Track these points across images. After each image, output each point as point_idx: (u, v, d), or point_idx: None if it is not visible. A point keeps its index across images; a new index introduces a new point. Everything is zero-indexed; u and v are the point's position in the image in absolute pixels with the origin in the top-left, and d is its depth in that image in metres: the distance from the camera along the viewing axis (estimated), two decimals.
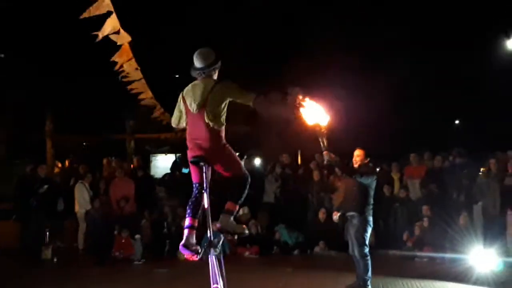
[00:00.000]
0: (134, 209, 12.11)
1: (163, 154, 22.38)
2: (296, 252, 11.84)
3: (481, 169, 11.79)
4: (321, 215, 11.92)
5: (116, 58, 9.16)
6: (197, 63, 5.22)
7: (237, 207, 5.23)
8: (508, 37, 17.75)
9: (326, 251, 11.65)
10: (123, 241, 11.49)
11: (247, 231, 5.52)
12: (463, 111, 22.00)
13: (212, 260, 5.04)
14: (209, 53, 5.26)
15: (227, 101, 5.13)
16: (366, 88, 16.74)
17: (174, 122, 5.37)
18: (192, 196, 5.18)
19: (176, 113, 5.31)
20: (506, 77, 17.82)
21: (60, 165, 17.16)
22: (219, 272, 5.06)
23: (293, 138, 15.37)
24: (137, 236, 11.35)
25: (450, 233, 10.28)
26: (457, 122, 24.95)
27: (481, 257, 8.98)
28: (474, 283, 8.51)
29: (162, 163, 21.83)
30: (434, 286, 8.58)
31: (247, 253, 11.66)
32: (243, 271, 10.26)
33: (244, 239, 11.83)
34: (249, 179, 5.25)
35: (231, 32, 16.66)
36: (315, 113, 7.16)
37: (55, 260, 11.18)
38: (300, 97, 5.44)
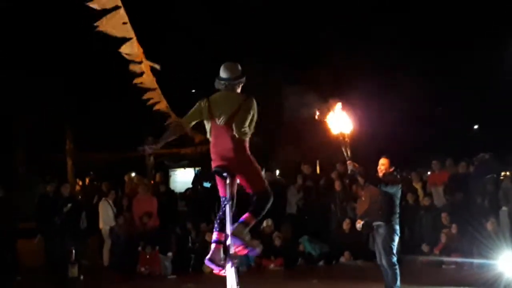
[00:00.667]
0: (157, 225, 12.15)
1: (182, 169, 22.49)
2: (321, 263, 11.77)
3: (503, 173, 11.72)
4: (345, 225, 11.88)
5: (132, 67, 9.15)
6: (224, 74, 5.27)
7: (255, 221, 5.18)
8: None
9: (352, 261, 11.58)
10: (147, 256, 11.54)
11: (258, 250, 5.37)
12: (481, 116, 21.85)
13: (231, 271, 5.03)
14: (236, 65, 5.34)
15: (252, 114, 5.20)
16: (385, 97, 16.72)
17: (187, 121, 5.32)
18: (220, 211, 5.19)
19: (194, 115, 5.27)
20: None
21: (80, 183, 17.30)
22: (237, 283, 5.04)
23: (312, 149, 15.44)
24: (169, 254, 11.40)
25: (477, 239, 10.18)
26: (476, 127, 24.77)
27: (510, 263, 8.86)
28: None
29: (181, 178, 21.92)
30: None
31: (271, 266, 11.62)
32: (268, 283, 10.30)
33: (269, 251, 11.81)
34: (272, 197, 5.22)
35: (249, 42, 16.73)
36: (338, 122, 7.20)
37: (81, 277, 11.22)
38: None
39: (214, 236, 5.14)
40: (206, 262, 5.11)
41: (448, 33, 18.36)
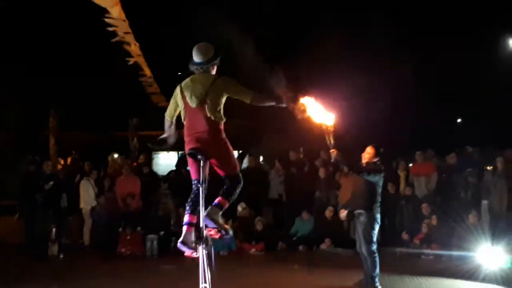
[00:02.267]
0: (140, 206, 12.12)
1: (165, 152, 22.40)
2: (301, 248, 11.82)
3: (487, 167, 11.83)
4: (328, 212, 11.92)
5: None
6: (196, 57, 5.21)
7: (227, 204, 5.21)
8: None
9: (332, 248, 11.65)
10: (128, 237, 11.52)
11: (230, 233, 5.42)
12: (465, 110, 22.04)
13: (203, 256, 5.02)
14: (208, 47, 5.25)
15: (226, 96, 5.15)
16: (370, 87, 16.77)
17: (169, 114, 5.34)
18: (192, 193, 5.15)
19: (171, 105, 5.30)
20: (510, 75, 17.87)
21: (62, 162, 17.15)
22: (209, 269, 5.05)
23: (296, 136, 15.46)
24: (154, 235, 11.40)
25: (457, 231, 10.29)
26: (459, 120, 24.98)
27: (488, 255, 8.98)
28: (482, 281, 8.53)
29: (164, 161, 21.86)
30: (441, 283, 8.60)
31: (252, 250, 11.66)
32: (249, 267, 10.35)
33: (250, 236, 11.85)
34: (242, 183, 5.26)
35: (236, 29, 16.65)
36: (321, 111, 7.23)
37: (61, 256, 11.18)
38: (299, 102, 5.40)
39: (186, 218, 5.10)
40: (179, 245, 5.07)
41: (434, 28, 18.43)
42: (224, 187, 5.22)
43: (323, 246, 11.81)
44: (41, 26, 16.24)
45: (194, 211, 5.07)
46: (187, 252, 5.05)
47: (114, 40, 10.91)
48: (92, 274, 9.66)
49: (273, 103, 5.27)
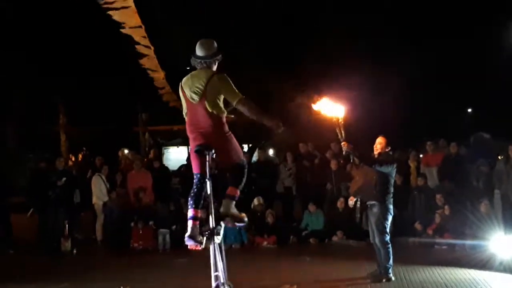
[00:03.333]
0: (151, 200, 12.15)
1: (175, 147, 22.48)
2: (312, 241, 11.81)
3: (499, 156, 11.75)
4: (339, 204, 11.87)
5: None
6: (200, 52, 5.27)
7: (238, 192, 5.30)
8: None
9: (344, 240, 11.62)
10: (140, 232, 11.56)
11: (246, 219, 5.52)
12: (475, 99, 21.91)
13: (214, 248, 5.10)
14: (212, 43, 5.34)
15: (225, 91, 5.20)
16: (380, 79, 16.74)
17: (184, 111, 5.40)
18: (193, 187, 5.23)
19: (183, 104, 5.36)
20: None
21: (73, 158, 17.26)
22: (220, 260, 5.13)
23: (306, 128, 15.46)
24: (166, 230, 11.43)
25: (470, 220, 10.23)
26: (469, 110, 24.84)
27: (501, 244, 8.91)
28: (496, 270, 8.47)
29: (174, 155, 21.93)
30: (454, 273, 8.54)
31: (264, 243, 11.66)
32: (261, 260, 10.35)
33: (261, 229, 11.85)
34: (247, 167, 5.40)
35: (243, 28, 16.69)
36: (332, 105, 7.25)
37: (74, 252, 11.24)
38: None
39: (190, 213, 5.17)
40: (186, 239, 5.14)
41: (442, 18, 18.31)
42: (231, 177, 5.29)
43: (335, 239, 11.79)
44: (51, 23, 16.30)
45: (198, 205, 5.16)
46: (192, 245, 5.12)
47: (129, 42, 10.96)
48: (105, 269, 9.73)
49: (256, 116, 5.22)
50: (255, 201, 12.22)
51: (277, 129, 5.26)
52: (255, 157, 14.65)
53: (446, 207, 11.01)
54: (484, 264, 8.73)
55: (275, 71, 16.44)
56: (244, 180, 5.32)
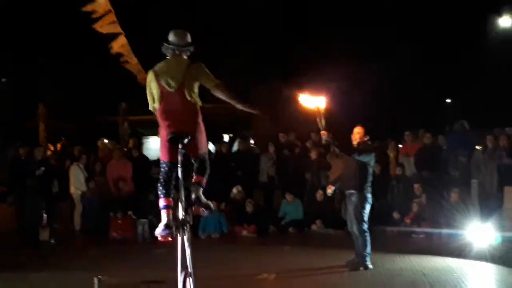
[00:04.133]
0: (131, 190, 12.10)
1: (155, 136, 22.33)
2: (291, 230, 11.86)
3: (477, 146, 11.89)
4: (319, 194, 11.95)
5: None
6: (173, 38, 5.23)
7: (205, 181, 5.22)
8: (500, 15, 17.81)
9: (323, 229, 11.70)
10: (119, 222, 11.52)
11: (212, 207, 5.38)
12: (454, 90, 22.10)
13: (183, 238, 4.99)
14: (186, 33, 5.32)
15: (201, 79, 5.18)
16: (361, 70, 16.85)
17: (151, 106, 5.27)
18: (163, 175, 5.15)
19: (149, 97, 5.24)
20: (498, 56, 17.93)
21: (52, 148, 17.06)
22: (189, 253, 5.00)
23: (287, 118, 15.50)
24: (143, 220, 11.37)
25: (447, 210, 10.36)
26: (448, 101, 25.06)
27: (478, 232, 9.06)
28: (472, 258, 8.61)
29: (154, 145, 21.79)
30: (431, 261, 8.65)
31: (244, 232, 11.69)
32: (241, 250, 10.37)
33: (241, 219, 11.87)
34: (208, 161, 5.32)
35: (231, 22, 16.68)
36: (313, 95, 7.29)
37: (52, 241, 11.14)
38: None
39: (162, 202, 5.09)
40: (161, 229, 5.02)
41: (421, 7, 18.43)
42: (196, 167, 5.21)
43: (314, 228, 11.86)
44: (25, 13, 16.13)
45: (169, 194, 5.09)
46: (164, 236, 5.01)
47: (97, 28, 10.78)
48: (83, 259, 9.67)
49: (233, 101, 5.23)
50: (234, 190, 12.25)
51: (254, 111, 5.26)
52: (235, 147, 14.63)
53: (423, 196, 11.13)
54: (461, 252, 8.86)
55: (260, 63, 16.48)
56: (208, 170, 5.25)
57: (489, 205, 10.52)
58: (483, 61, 19.12)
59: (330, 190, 8.96)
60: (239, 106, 5.25)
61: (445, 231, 10.21)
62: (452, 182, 11.16)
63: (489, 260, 8.43)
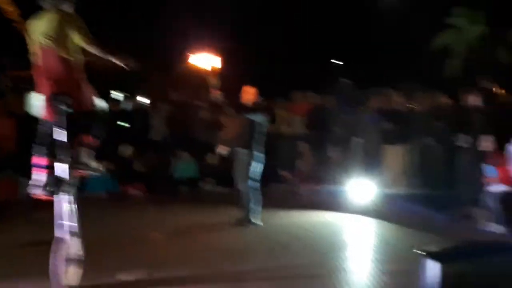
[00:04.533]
0: (15, 148, 11.54)
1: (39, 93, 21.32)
2: (183, 188, 11.91)
3: (361, 107, 12.36)
4: (212, 153, 12.00)
5: None
6: None
7: (93, 140, 5.17)
8: None
9: (215, 187, 11.84)
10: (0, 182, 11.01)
11: (101, 169, 5.45)
12: (341, 51, 22.74)
13: (61, 198, 4.89)
14: None
15: (75, 34, 4.97)
16: (252, 31, 16.97)
17: (33, 54, 5.07)
18: (40, 134, 5.01)
19: (29, 43, 5.06)
20: (383, 17, 18.73)
21: None
22: (71, 215, 4.92)
23: (180, 77, 15.39)
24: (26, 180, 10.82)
25: (331, 167, 10.83)
26: (335, 61, 25.75)
27: (359, 188, 9.56)
28: (352, 212, 9.14)
29: (38, 102, 20.83)
30: (315, 216, 9.11)
31: (134, 191, 11.58)
32: (130, 209, 10.30)
33: (131, 177, 11.74)
34: (104, 114, 5.25)
35: None
36: (205, 55, 7.27)
37: None
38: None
39: (38, 160, 4.92)
40: (33, 188, 4.92)
41: None
42: (85, 125, 5.12)
43: (205, 186, 11.98)
44: None
45: (46, 153, 4.91)
46: (42, 195, 4.90)
47: None
48: None
49: (107, 55, 5.12)
50: (123, 149, 12.05)
51: (128, 65, 5.19)
52: (126, 105, 14.32)
53: (310, 154, 11.52)
54: (342, 207, 9.38)
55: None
56: (100, 128, 5.17)
57: (371, 162, 11.06)
58: (369, 23, 19.85)
59: (223, 150, 9.04)
60: (112, 59, 5.12)
61: (329, 187, 10.69)
62: (337, 141, 11.58)
63: (367, 214, 8.98)
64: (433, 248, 1.91)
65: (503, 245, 2.11)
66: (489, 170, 8.18)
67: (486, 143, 8.35)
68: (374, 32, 19.58)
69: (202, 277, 5.68)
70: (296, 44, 19.54)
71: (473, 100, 9.31)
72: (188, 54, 7.14)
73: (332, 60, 24.01)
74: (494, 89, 11.33)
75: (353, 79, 12.58)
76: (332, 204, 9.66)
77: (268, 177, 11.16)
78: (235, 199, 8.70)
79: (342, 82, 12.28)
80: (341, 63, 25.17)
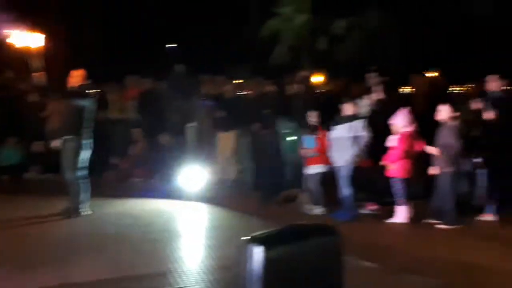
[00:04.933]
0: None
1: None
2: (5, 177, 11.10)
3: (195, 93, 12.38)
4: (37, 142, 11.28)
5: None
6: None
7: None
8: None
9: (41, 175, 11.19)
10: None
11: None
12: (175, 33, 22.64)
13: None
14: None
15: None
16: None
17: None
18: None
19: None
20: None
21: None
22: None
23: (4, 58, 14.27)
24: None
25: (164, 154, 10.73)
26: (170, 46, 25.60)
27: (192, 175, 9.59)
28: (185, 199, 9.19)
29: None
30: (147, 204, 8.99)
31: None
32: None
33: None
34: None
35: None
36: (24, 36, 6.77)
37: None
38: None
39: None
40: None
41: None
42: None
43: (30, 174, 11.27)
44: None
45: None
46: None
47: None
48: None
49: None
50: None
51: None
52: None
53: (142, 140, 11.33)
54: (175, 194, 9.37)
55: None
56: None
57: (204, 149, 11.13)
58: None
59: (54, 143, 8.34)
60: None
61: (162, 174, 10.61)
62: (170, 127, 11.50)
63: (199, 200, 9.09)
64: (258, 233, 1.96)
65: (322, 227, 2.22)
66: (308, 141, 8.53)
67: (311, 117, 8.66)
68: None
69: (23, 274, 5.32)
70: (130, 27, 19.09)
71: (294, 87, 9.83)
72: (6, 32, 6.56)
73: (167, 45, 23.86)
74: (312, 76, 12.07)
75: (187, 64, 12.53)
76: (165, 191, 9.61)
77: (99, 164, 10.82)
78: (60, 188, 8.23)
79: (176, 67, 12.17)
80: (175, 45, 25.13)
